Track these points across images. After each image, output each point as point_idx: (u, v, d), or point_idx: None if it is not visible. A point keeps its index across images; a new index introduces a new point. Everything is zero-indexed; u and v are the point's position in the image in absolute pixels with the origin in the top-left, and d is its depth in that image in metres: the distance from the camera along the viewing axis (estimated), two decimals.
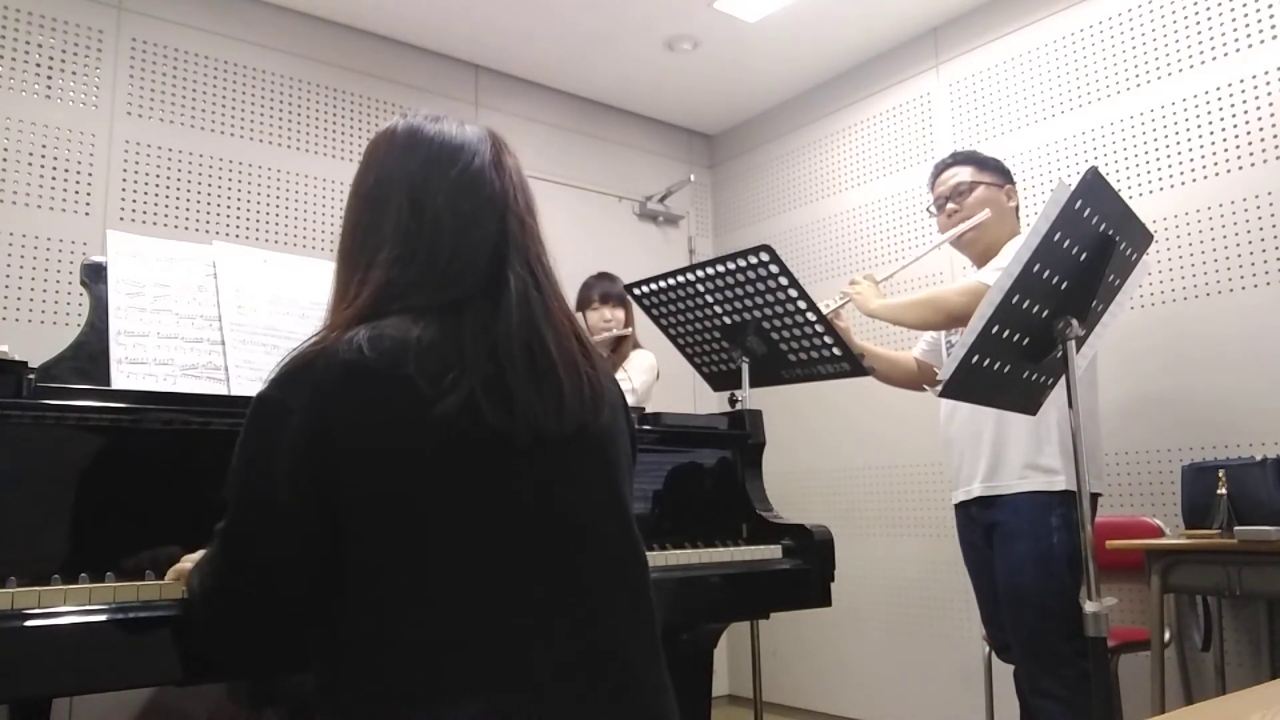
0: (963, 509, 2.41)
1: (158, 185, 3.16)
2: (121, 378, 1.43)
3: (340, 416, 0.90)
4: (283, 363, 0.95)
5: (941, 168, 2.53)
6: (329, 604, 0.94)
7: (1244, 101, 2.78)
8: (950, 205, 2.46)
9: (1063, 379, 1.67)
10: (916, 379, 2.62)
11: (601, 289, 3.07)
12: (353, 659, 0.91)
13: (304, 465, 0.90)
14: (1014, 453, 2.24)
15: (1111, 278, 1.73)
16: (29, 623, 1.04)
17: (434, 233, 1.00)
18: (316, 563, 0.94)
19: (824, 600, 1.80)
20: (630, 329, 3.10)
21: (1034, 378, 1.76)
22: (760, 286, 2.08)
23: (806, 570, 1.78)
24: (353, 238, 1.04)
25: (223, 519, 0.97)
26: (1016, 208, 2.49)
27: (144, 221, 3.10)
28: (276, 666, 1.21)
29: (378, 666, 0.89)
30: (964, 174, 2.46)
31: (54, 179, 2.97)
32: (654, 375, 3.05)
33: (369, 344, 0.92)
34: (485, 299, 0.99)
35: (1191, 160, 2.89)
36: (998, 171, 2.48)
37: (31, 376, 1.25)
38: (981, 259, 2.43)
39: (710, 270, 2.12)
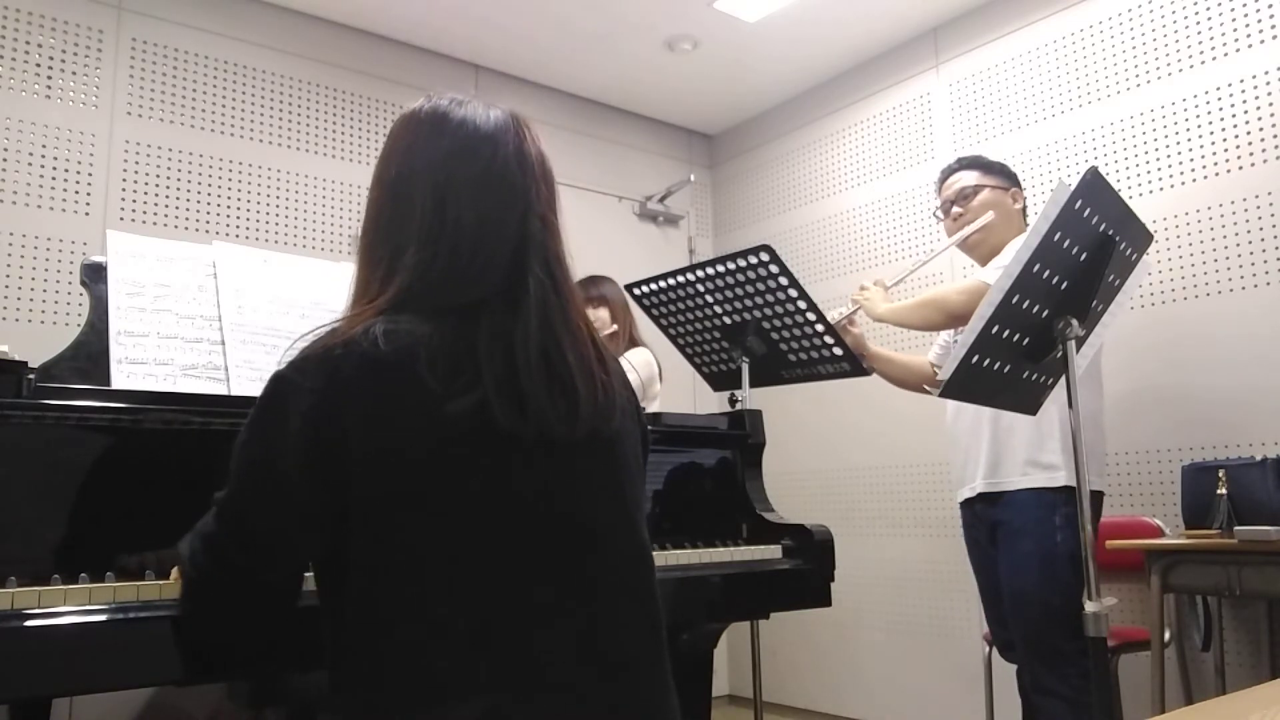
0: (968, 506, 2.42)
1: (158, 185, 3.15)
2: (121, 378, 1.43)
3: (353, 409, 0.90)
4: (302, 347, 0.95)
5: (947, 173, 2.56)
6: (335, 602, 0.94)
7: (1244, 101, 2.78)
8: (955, 209, 2.48)
9: (1063, 379, 1.67)
10: (932, 382, 2.62)
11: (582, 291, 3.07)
12: (357, 658, 0.91)
13: (312, 453, 0.90)
14: (1015, 449, 2.24)
15: (1111, 278, 1.73)
16: (29, 623, 1.04)
17: (455, 234, 0.99)
18: (308, 550, 0.95)
19: (824, 600, 1.80)
20: (615, 327, 3.09)
21: (1034, 378, 1.76)
22: (760, 286, 2.08)
23: (806, 570, 1.78)
24: (375, 230, 1.04)
25: (223, 489, 0.96)
26: (1023, 210, 2.51)
27: (144, 221, 3.10)
28: (253, 654, 1.19)
29: (381, 666, 0.89)
30: (968, 178, 2.48)
31: (54, 179, 2.97)
32: (650, 372, 3.04)
33: (385, 338, 0.92)
34: (503, 301, 0.99)
35: (1191, 160, 2.89)
36: (1003, 175, 2.50)
37: (31, 376, 1.24)
38: (986, 260, 2.44)
39: (710, 270, 2.12)
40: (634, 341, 3.14)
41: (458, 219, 0.99)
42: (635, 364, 2.98)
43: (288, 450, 0.91)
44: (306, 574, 1.03)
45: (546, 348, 0.98)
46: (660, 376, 3.10)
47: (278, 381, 0.94)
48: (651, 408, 2.99)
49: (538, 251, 1.02)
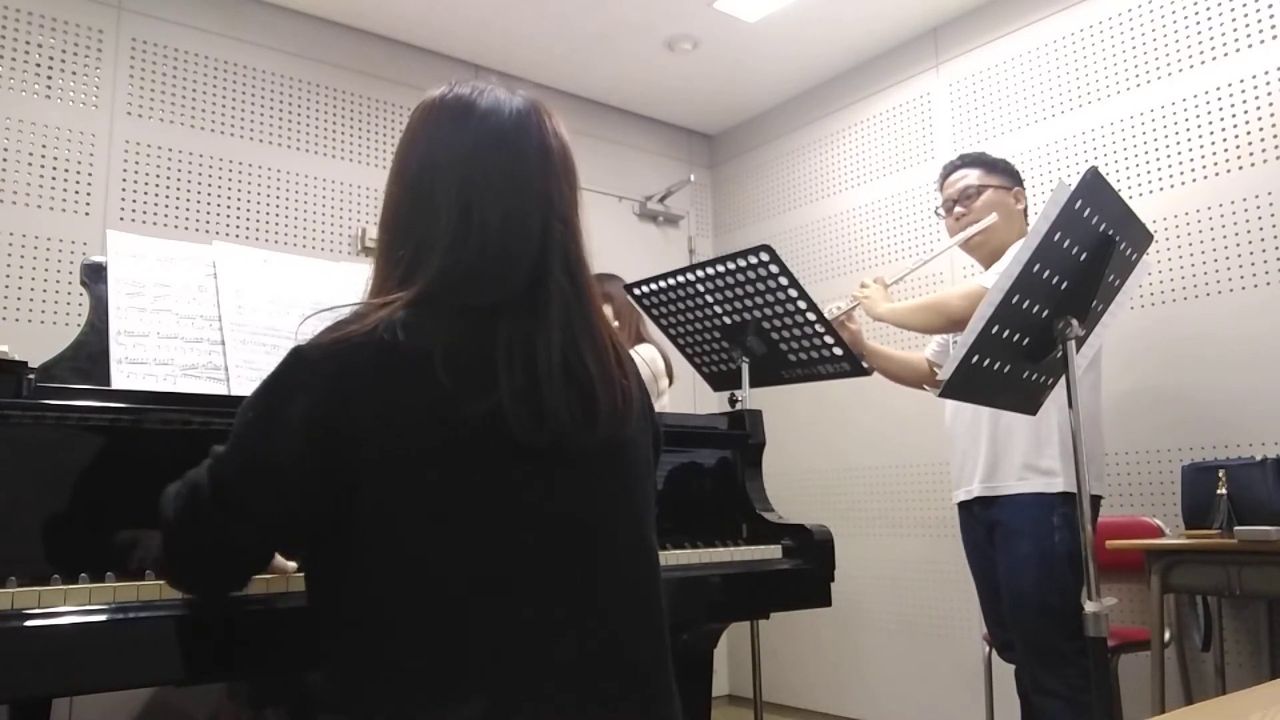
0: (965, 508, 2.42)
1: (158, 185, 3.15)
2: (121, 378, 1.43)
3: (361, 399, 0.90)
4: (328, 327, 0.94)
5: (950, 170, 2.54)
6: (335, 601, 0.94)
7: (1244, 101, 2.78)
8: (958, 208, 2.48)
9: (1063, 379, 1.67)
10: (928, 380, 2.62)
11: None
12: (358, 658, 0.91)
13: (311, 434, 0.90)
14: (1013, 453, 2.24)
15: (1111, 278, 1.73)
16: (29, 623, 1.04)
17: (482, 237, 0.98)
18: (286, 524, 0.96)
19: (824, 600, 1.80)
20: (617, 324, 3.08)
21: (1034, 378, 1.76)
22: (760, 286, 2.08)
23: (806, 570, 1.78)
24: (394, 225, 1.02)
25: (223, 445, 0.96)
26: (1025, 210, 2.50)
27: (144, 221, 3.10)
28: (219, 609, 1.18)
29: (383, 666, 0.89)
30: (972, 177, 2.47)
31: (54, 179, 2.97)
32: (656, 368, 3.02)
33: (404, 331, 0.92)
34: (525, 304, 0.98)
35: (1191, 160, 2.89)
36: (1006, 174, 2.49)
37: (31, 376, 1.24)
38: (989, 261, 2.44)
39: (710, 270, 2.12)
40: (641, 338, 3.13)
41: (484, 221, 0.98)
42: (643, 360, 2.96)
43: (288, 426, 0.91)
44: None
45: (568, 356, 0.97)
46: (670, 374, 3.08)
47: (295, 357, 0.94)
48: (658, 406, 2.98)
49: (559, 255, 1.01)
